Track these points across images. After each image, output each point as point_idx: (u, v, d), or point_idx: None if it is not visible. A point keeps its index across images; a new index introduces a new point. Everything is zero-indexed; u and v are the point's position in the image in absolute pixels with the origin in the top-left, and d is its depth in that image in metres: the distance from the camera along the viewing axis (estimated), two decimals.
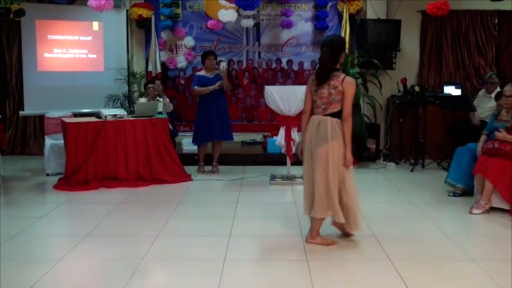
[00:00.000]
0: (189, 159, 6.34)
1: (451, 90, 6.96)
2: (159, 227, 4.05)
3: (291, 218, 4.31)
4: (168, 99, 6.48)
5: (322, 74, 3.50)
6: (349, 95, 3.43)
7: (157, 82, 6.67)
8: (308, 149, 3.58)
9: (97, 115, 5.94)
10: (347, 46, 7.04)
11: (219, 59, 6.31)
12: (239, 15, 7.08)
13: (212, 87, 5.97)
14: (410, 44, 7.42)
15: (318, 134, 3.49)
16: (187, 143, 6.74)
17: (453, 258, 3.43)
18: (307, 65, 7.61)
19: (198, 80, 6.09)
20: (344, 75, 3.46)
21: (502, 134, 4.55)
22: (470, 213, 4.46)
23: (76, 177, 5.34)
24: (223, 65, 5.98)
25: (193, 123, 6.38)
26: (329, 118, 3.47)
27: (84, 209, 4.72)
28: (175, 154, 5.92)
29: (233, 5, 6.63)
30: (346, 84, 3.42)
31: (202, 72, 6.16)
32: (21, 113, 7.10)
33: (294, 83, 7.45)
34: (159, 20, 7.26)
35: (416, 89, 6.52)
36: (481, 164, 4.57)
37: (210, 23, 7.14)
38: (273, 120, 7.30)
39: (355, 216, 3.57)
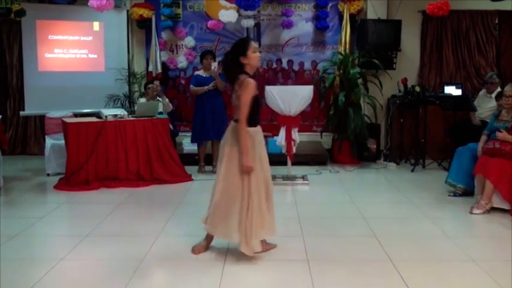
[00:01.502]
0: (190, 159, 6.34)
1: (452, 90, 6.96)
2: (159, 227, 4.05)
3: (291, 218, 4.30)
4: (167, 99, 6.47)
5: (228, 79, 3.38)
6: (244, 97, 3.16)
7: (156, 82, 6.64)
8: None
9: (97, 115, 5.94)
10: (347, 46, 7.06)
11: (219, 59, 6.29)
12: (239, 15, 7.08)
13: (206, 87, 5.98)
14: (410, 44, 7.41)
15: (224, 141, 3.36)
16: (187, 143, 6.74)
17: (453, 258, 3.43)
18: (307, 65, 7.61)
19: (195, 79, 6.10)
20: (245, 77, 3.21)
21: (502, 134, 4.55)
22: (471, 213, 4.46)
23: (77, 177, 5.34)
24: (214, 65, 5.98)
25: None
26: (232, 123, 3.32)
27: (85, 209, 4.71)
28: (176, 154, 5.92)
29: (233, 5, 6.63)
30: (239, 85, 3.20)
31: (199, 72, 6.17)
32: (21, 113, 7.11)
33: (294, 83, 7.44)
34: (159, 20, 7.26)
35: (417, 89, 6.52)
36: (482, 164, 4.57)
37: (210, 23, 7.15)
38: (274, 120, 7.29)
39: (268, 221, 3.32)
